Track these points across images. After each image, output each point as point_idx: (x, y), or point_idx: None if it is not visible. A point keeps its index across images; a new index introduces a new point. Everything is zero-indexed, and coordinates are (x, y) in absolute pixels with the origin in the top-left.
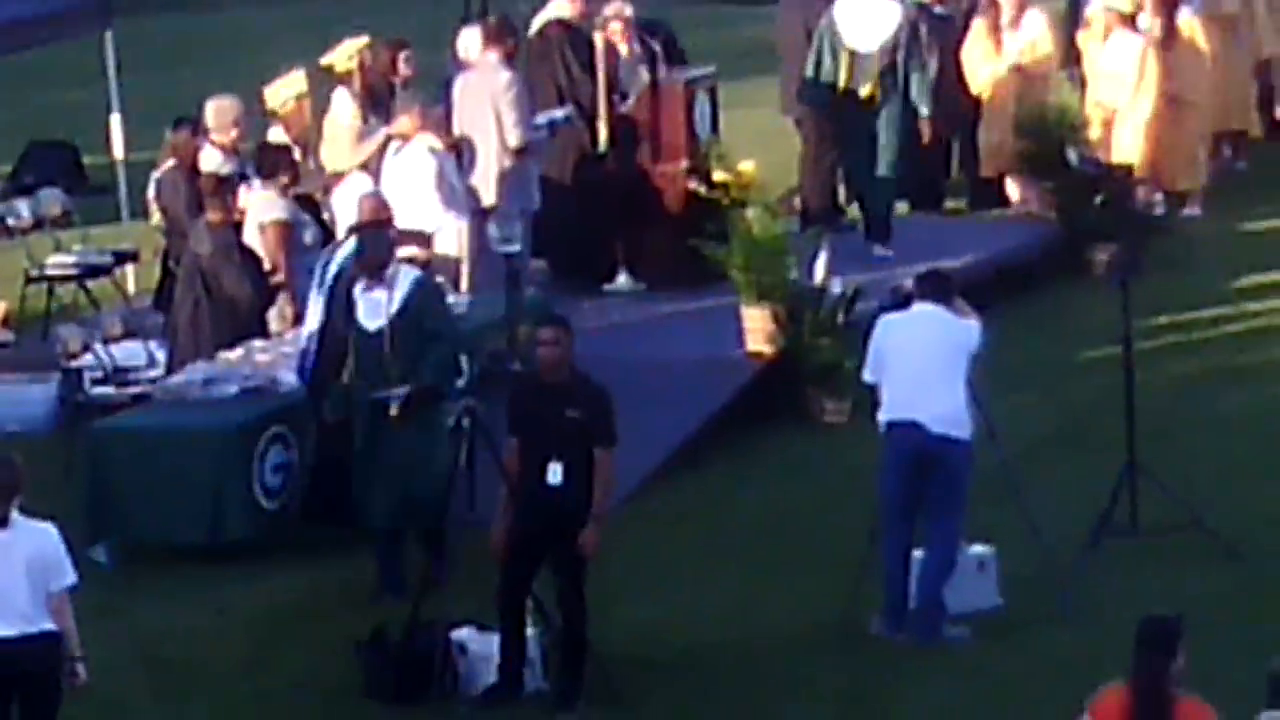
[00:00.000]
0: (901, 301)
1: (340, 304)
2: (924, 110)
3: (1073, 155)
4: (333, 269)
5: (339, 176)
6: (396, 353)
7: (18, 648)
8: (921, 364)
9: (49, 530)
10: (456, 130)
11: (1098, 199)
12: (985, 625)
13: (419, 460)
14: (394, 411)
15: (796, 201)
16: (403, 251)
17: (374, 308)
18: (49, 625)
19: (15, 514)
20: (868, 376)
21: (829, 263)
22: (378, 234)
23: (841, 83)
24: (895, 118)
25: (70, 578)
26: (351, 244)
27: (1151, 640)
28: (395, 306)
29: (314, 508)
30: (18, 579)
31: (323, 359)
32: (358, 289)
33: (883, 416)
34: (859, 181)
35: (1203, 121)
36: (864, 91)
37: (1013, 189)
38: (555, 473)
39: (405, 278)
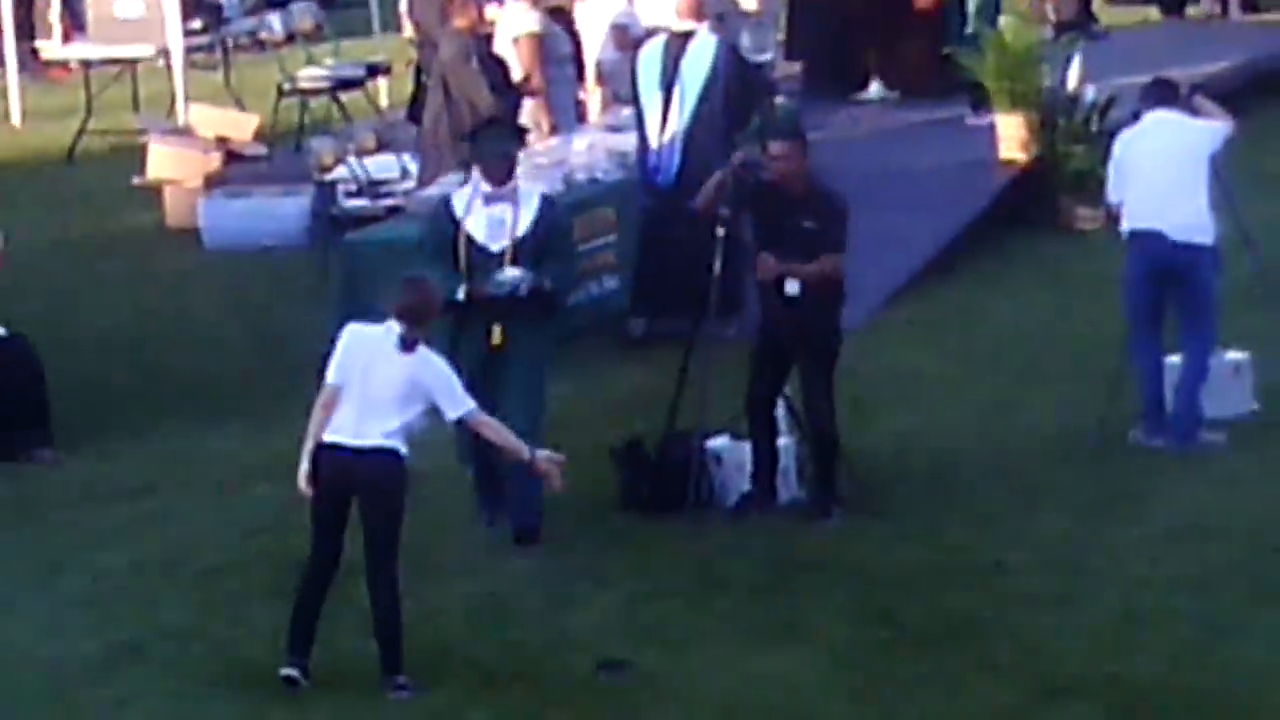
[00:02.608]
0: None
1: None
2: None
3: None
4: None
5: None
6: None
7: (359, 459)
8: (1160, 172)
9: (441, 367)
10: None
11: None
12: (1240, 431)
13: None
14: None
15: (1050, 9)
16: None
17: (496, 226)
18: (394, 445)
19: (422, 346)
20: (1112, 197)
21: (1082, 69)
22: (502, 135)
23: None
24: None
25: (458, 411)
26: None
27: None
28: (523, 228)
29: (639, 305)
30: (391, 399)
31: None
32: (476, 201)
33: (1125, 227)
34: None
35: None
36: None
37: None
38: (793, 286)
39: (532, 195)
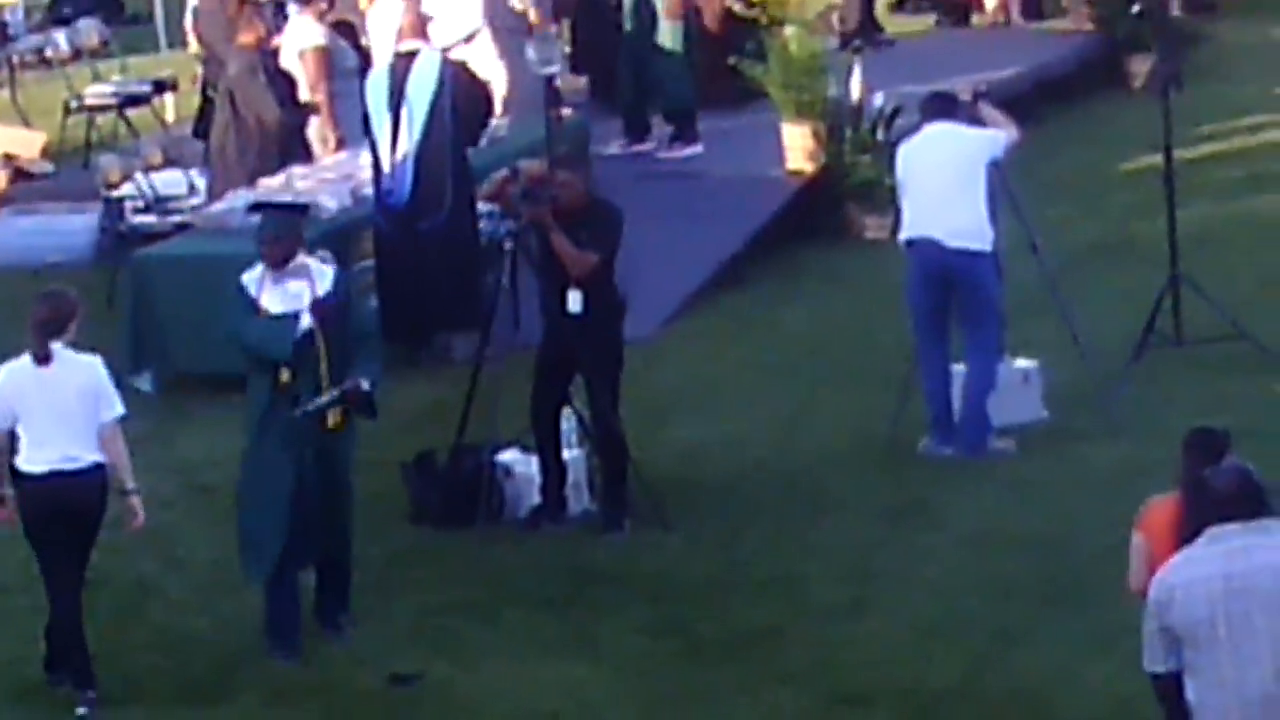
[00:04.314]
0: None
1: (442, 124)
2: None
3: None
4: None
5: None
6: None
7: (68, 480)
8: (936, 181)
9: (94, 363)
10: None
11: (1134, 9)
12: (1030, 438)
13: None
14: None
15: (834, 18)
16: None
17: (293, 299)
18: (98, 458)
19: (59, 347)
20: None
21: (865, 79)
22: (285, 218)
23: None
24: None
25: (118, 409)
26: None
27: (1200, 451)
28: (321, 292)
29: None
30: (69, 413)
31: (423, 180)
32: (266, 281)
33: (902, 235)
34: None
35: None
36: None
37: None
38: (575, 300)
39: (326, 273)
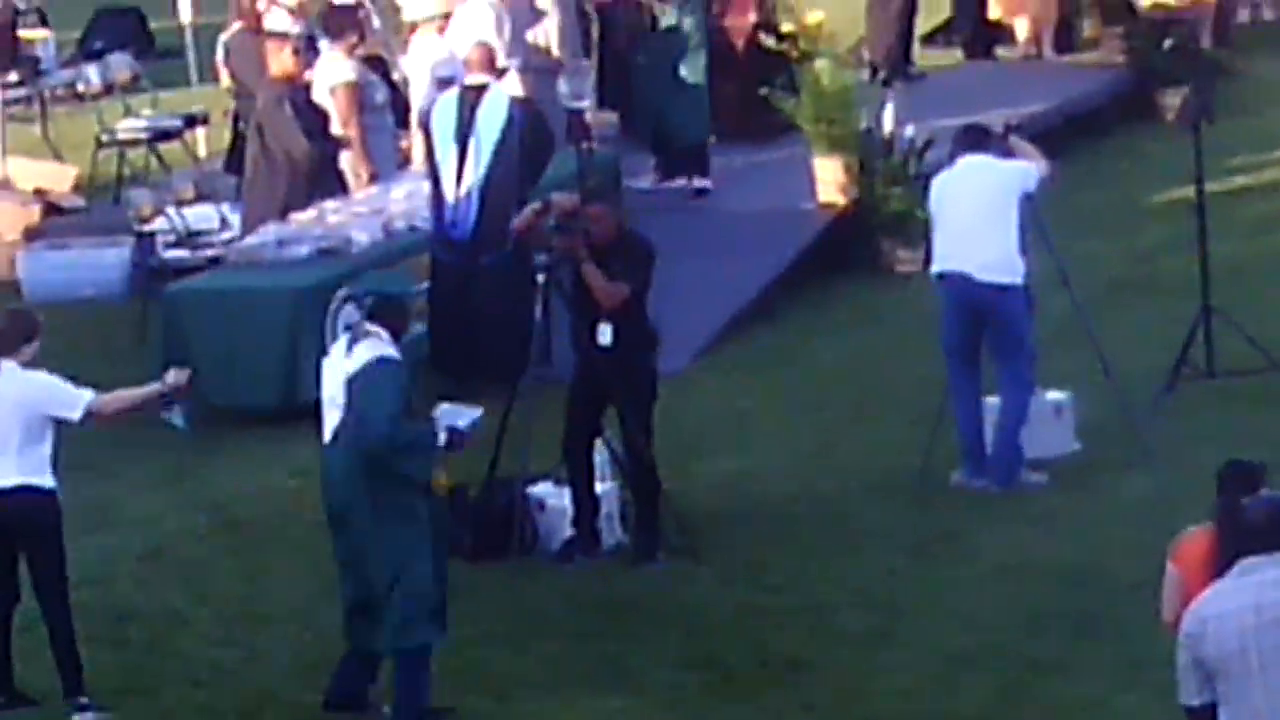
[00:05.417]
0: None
1: (509, 160)
2: None
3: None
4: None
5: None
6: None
7: (7, 499)
8: (967, 214)
9: (40, 379)
10: None
11: (1166, 43)
12: (1063, 471)
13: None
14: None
15: (865, 52)
16: None
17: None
18: (40, 481)
19: (11, 365)
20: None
21: (897, 112)
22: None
23: None
24: None
25: (82, 404)
26: (503, 99)
27: (1235, 483)
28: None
29: (439, 359)
30: (8, 427)
31: (487, 214)
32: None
33: (934, 268)
34: None
35: None
36: None
37: (1021, 28)
38: (605, 334)
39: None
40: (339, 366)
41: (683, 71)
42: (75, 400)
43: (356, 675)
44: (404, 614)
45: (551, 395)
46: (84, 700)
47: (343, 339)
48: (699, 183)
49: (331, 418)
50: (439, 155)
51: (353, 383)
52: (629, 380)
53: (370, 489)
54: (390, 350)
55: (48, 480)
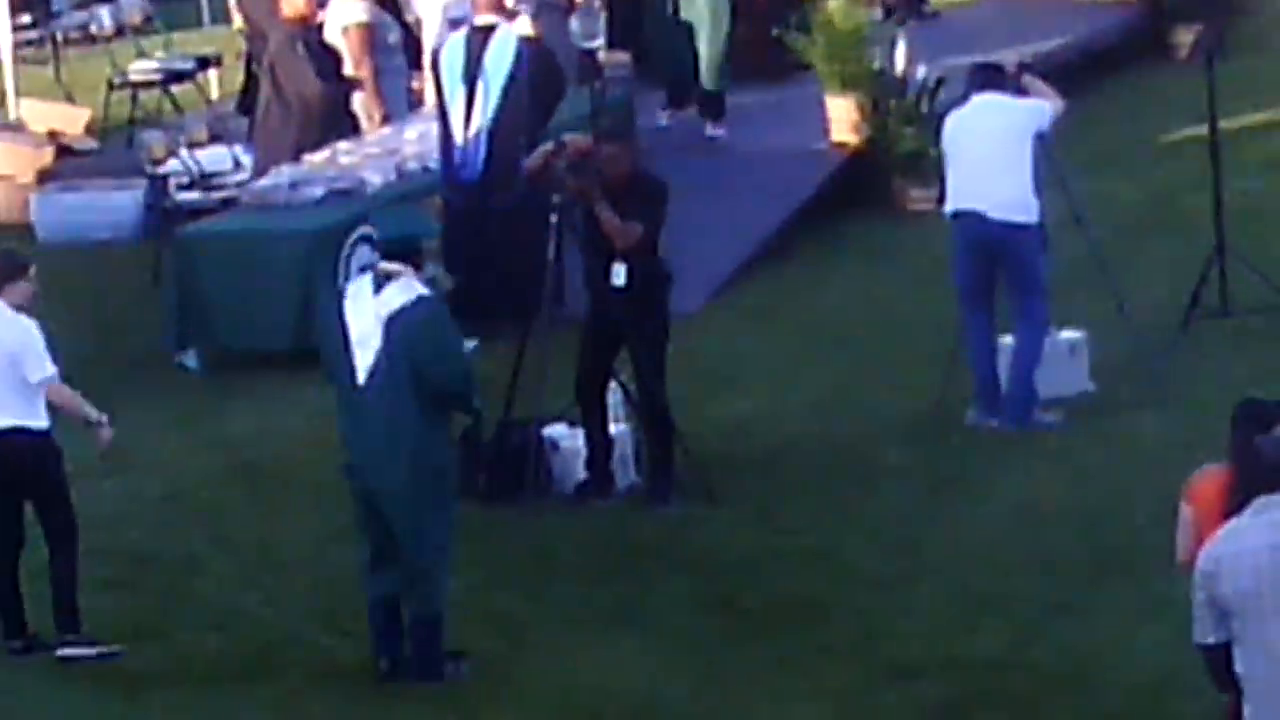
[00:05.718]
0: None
1: (518, 101)
2: None
3: None
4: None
5: None
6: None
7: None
8: (981, 153)
9: (25, 324)
10: None
11: None
12: (1077, 410)
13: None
14: None
15: None
16: None
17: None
18: (30, 422)
19: None
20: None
21: (909, 51)
22: None
23: None
24: None
25: (47, 370)
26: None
27: (1250, 421)
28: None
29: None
30: None
31: (496, 156)
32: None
33: (947, 207)
34: None
35: None
36: None
37: None
38: (619, 274)
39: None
40: (367, 306)
41: (705, 19)
42: (40, 364)
43: (399, 633)
44: (434, 580)
45: (566, 336)
46: (71, 637)
47: (365, 279)
48: (712, 130)
49: (365, 358)
50: (447, 97)
51: (392, 324)
52: (642, 320)
53: (416, 434)
54: (425, 289)
55: (41, 421)
